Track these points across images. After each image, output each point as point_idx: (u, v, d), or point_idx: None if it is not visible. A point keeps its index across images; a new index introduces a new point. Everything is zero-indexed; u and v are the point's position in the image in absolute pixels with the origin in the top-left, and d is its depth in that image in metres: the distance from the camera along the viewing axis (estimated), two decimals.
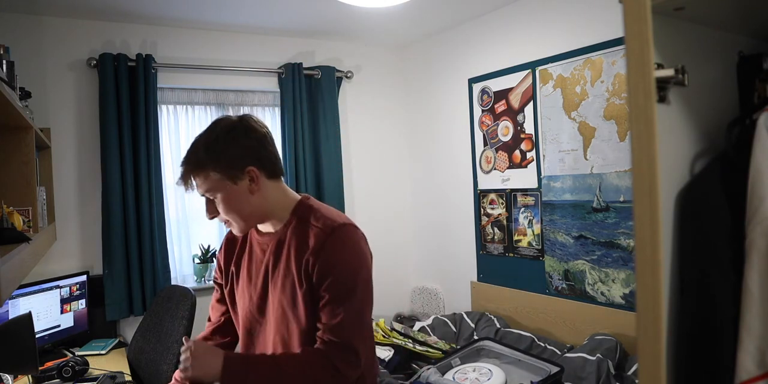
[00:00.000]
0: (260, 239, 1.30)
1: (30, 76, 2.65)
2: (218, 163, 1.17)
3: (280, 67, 3.33)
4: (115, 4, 2.67)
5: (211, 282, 3.09)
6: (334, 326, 1.16)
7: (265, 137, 1.23)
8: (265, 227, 1.30)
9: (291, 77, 3.30)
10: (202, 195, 1.21)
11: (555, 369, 2.27)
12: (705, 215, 0.73)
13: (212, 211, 1.22)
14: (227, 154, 1.18)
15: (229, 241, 1.41)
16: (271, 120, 3.45)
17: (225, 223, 1.25)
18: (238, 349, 1.36)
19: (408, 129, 3.83)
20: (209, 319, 1.47)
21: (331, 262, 1.16)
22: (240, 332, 1.35)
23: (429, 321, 3.12)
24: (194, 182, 1.19)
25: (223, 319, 1.43)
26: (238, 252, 1.36)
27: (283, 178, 1.30)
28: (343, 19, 3.12)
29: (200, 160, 1.18)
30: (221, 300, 1.43)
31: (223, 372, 1.12)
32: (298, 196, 1.30)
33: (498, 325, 2.89)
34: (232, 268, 1.37)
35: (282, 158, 3.35)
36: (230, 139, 1.19)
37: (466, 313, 3.10)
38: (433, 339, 2.87)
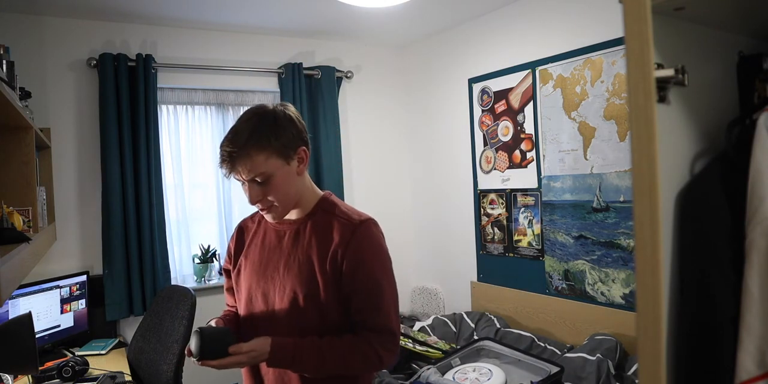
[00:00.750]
0: (277, 226, 1.33)
1: (30, 76, 2.65)
2: (279, 141, 1.20)
3: (280, 67, 3.33)
4: (115, 4, 2.67)
5: (211, 282, 3.12)
6: (374, 315, 1.22)
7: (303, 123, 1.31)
8: (287, 215, 1.33)
9: (291, 77, 3.30)
10: (252, 179, 1.20)
11: (555, 369, 2.27)
12: (705, 215, 0.73)
13: (258, 196, 1.22)
14: (286, 134, 1.22)
15: (243, 228, 1.44)
16: None
17: (265, 209, 1.26)
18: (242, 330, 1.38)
19: (408, 129, 3.83)
20: (228, 304, 1.49)
21: (362, 253, 1.22)
22: (241, 315, 1.37)
23: (429, 321, 3.12)
24: (246, 166, 1.18)
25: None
26: (251, 238, 1.39)
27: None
28: (343, 19, 3.12)
29: (261, 142, 1.18)
30: (231, 288, 1.46)
31: (270, 357, 1.17)
32: (321, 192, 1.36)
33: (498, 325, 2.89)
34: (243, 254, 1.39)
35: None
36: (287, 120, 1.23)
37: (466, 313, 3.10)
38: (433, 339, 2.87)
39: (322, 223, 1.27)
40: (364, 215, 1.29)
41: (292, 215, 1.32)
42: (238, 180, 1.23)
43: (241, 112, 1.31)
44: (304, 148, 1.26)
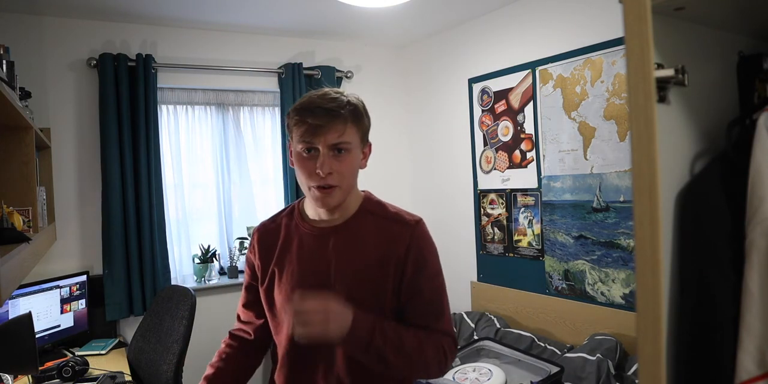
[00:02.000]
0: (315, 229, 1.22)
1: (30, 76, 2.65)
2: (366, 124, 1.19)
3: (280, 67, 3.33)
4: (115, 4, 2.67)
5: (212, 282, 3.12)
6: (439, 319, 1.17)
7: None
8: (325, 215, 1.23)
9: (291, 77, 3.30)
10: (334, 146, 1.12)
11: (555, 369, 2.27)
12: (705, 215, 0.73)
13: (332, 166, 1.12)
14: (369, 122, 1.21)
15: (265, 234, 1.31)
16: (271, 120, 3.45)
17: (329, 188, 1.14)
18: (281, 351, 1.25)
19: (408, 129, 3.83)
20: (240, 320, 1.38)
21: (424, 255, 1.18)
22: (281, 332, 1.24)
23: None
24: (339, 130, 1.11)
25: (258, 320, 1.33)
26: (281, 244, 1.25)
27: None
28: (343, 19, 3.12)
29: (359, 114, 1.16)
30: (251, 303, 1.33)
31: (350, 331, 1.05)
32: (362, 192, 1.30)
33: (498, 325, 2.89)
34: (274, 264, 1.25)
35: (282, 158, 3.36)
36: (367, 111, 1.22)
37: (466, 313, 3.10)
38: None
39: (372, 225, 1.21)
40: (415, 215, 1.24)
41: (331, 215, 1.22)
42: (311, 147, 1.12)
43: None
44: (370, 143, 1.24)
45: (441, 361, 1.15)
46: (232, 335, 1.37)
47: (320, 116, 1.11)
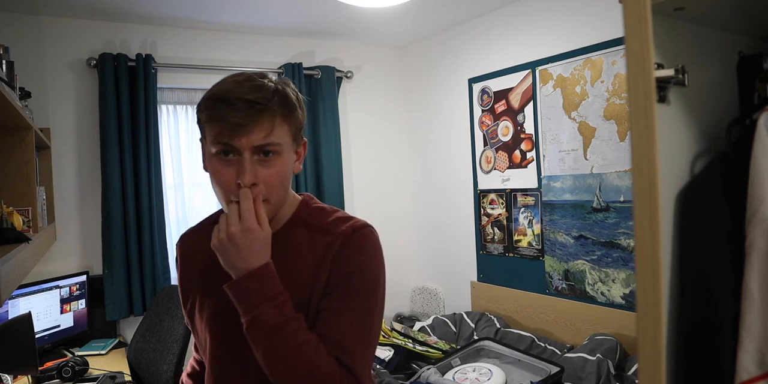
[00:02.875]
0: None
1: (30, 76, 2.65)
2: (299, 119, 0.95)
3: (280, 67, 3.33)
4: (115, 4, 2.67)
5: None
6: (352, 346, 0.92)
7: None
8: None
9: (291, 77, 3.30)
10: (260, 148, 0.89)
11: (555, 369, 2.27)
12: (705, 215, 0.73)
13: (257, 174, 0.90)
14: (303, 114, 0.97)
15: (189, 244, 1.10)
16: None
17: (249, 202, 0.89)
18: (207, 377, 1.04)
19: (408, 129, 3.83)
20: (194, 358, 1.17)
21: (352, 264, 0.94)
22: (207, 358, 1.03)
23: (429, 321, 3.12)
24: (265, 128, 0.88)
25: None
26: (205, 259, 1.01)
27: None
28: (343, 19, 3.12)
29: (290, 107, 0.93)
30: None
31: (253, 273, 0.88)
32: (299, 196, 1.07)
33: (498, 325, 2.89)
34: (194, 284, 1.05)
35: None
36: (301, 100, 0.97)
37: (466, 313, 3.10)
38: (433, 339, 2.87)
39: (304, 239, 0.98)
40: (359, 222, 0.99)
41: None
42: (231, 148, 0.88)
43: None
44: (305, 142, 1.01)
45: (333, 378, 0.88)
46: (188, 373, 1.18)
47: (240, 110, 0.87)
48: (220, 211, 1.03)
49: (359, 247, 0.96)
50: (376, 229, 1.00)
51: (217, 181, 0.91)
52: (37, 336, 2.03)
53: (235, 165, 0.89)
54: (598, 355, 2.26)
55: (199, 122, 0.95)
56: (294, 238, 0.99)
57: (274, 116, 0.89)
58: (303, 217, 1.02)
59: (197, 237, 1.08)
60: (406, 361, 2.68)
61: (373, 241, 0.98)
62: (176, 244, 1.13)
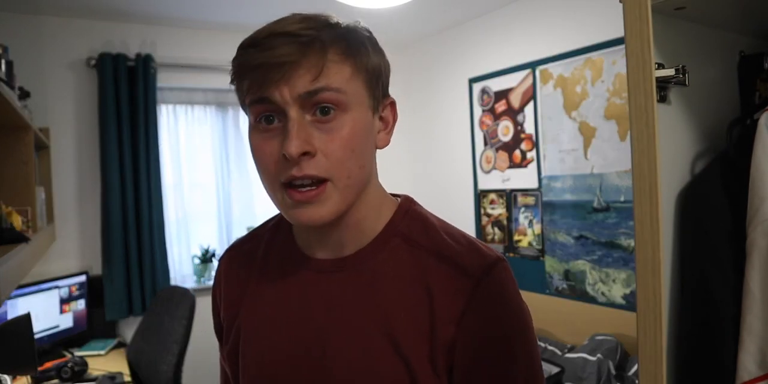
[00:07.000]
0: (303, 262, 0.72)
1: (29, 76, 2.64)
2: (375, 62, 0.67)
3: None
4: (115, 3, 2.67)
5: (211, 282, 3.11)
6: None
7: None
8: (318, 239, 0.71)
9: None
10: (315, 94, 0.60)
11: (555, 369, 2.27)
12: (705, 215, 0.73)
13: (308, 143, 0.60)
14: (384, 62, 0.69)
15: (231, 265, 0.80)
16: None
17: (303, 189, 0.62)
18: None
19: (408, 129, 3.82)
20: None
21: (496, 327, 0.65)
22: None
23: None
24: (318, 65, 0.60)
25: None
26: (255, 286, 0.75)
27: None
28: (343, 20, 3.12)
29: (356, 44, 0.64)
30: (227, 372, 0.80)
31: None
32: (397, 196, 0.79)
33: None
34: (239, 318, 0.75)
35: None
36: (377, 44, 0.69)
37: None
38: None
39: (407, 263, 0.68)
40: (492, 252, 0.72)
41: (343, 244, 0.70)
42: (271, 107, 0.61)
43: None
44: (393, 101, 0.73)
45: None
46: None
47: (276, 48, 0.59)
48: (279, 216, 0.77)
49: (504, 293, 0.67)
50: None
51: (257, 158, 0.64)
52: (36, 336, 2.02)
53: (280, 135, 0.61)
54: (598, 355, 2.26)
55: (236, 91, 0.65)
56: (390, 260, 0.68)
57: (326, 50, 0.61)
58: (402, 228, 0.71)
59: (241, 255, 0.80)
60: None
61: (514, 285, 0.69)
62: (219, 260, 0.82)
